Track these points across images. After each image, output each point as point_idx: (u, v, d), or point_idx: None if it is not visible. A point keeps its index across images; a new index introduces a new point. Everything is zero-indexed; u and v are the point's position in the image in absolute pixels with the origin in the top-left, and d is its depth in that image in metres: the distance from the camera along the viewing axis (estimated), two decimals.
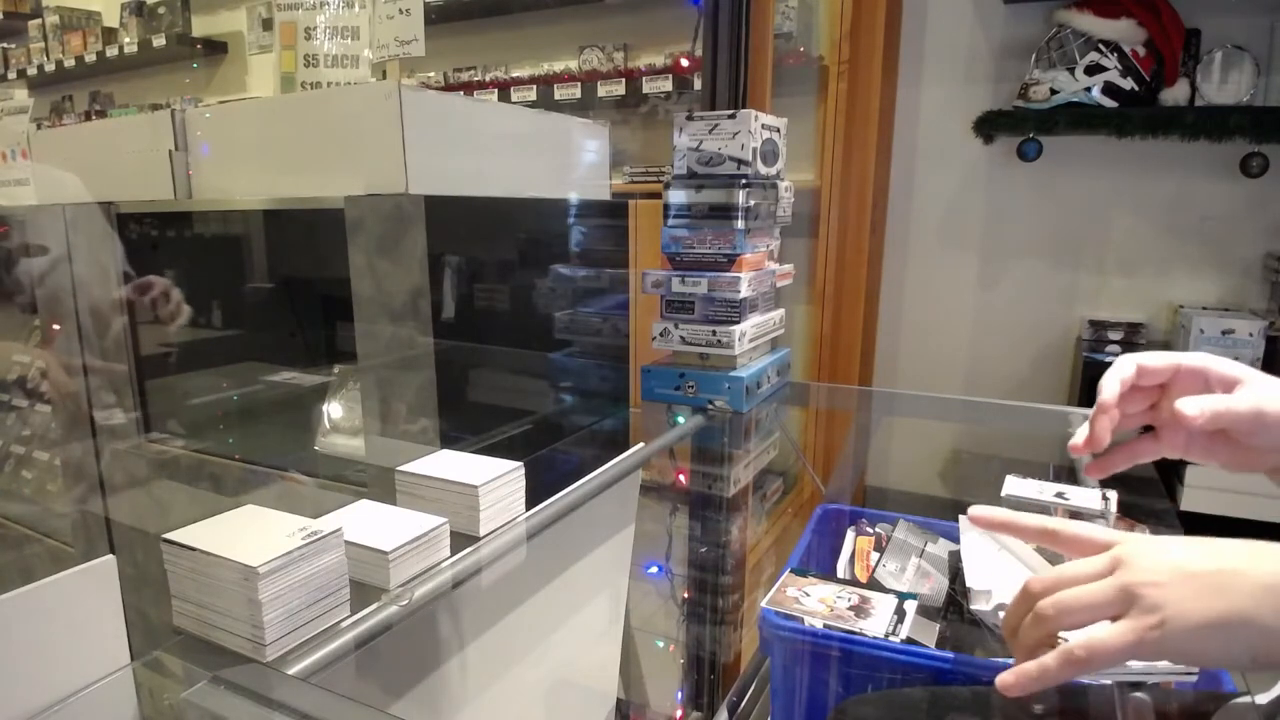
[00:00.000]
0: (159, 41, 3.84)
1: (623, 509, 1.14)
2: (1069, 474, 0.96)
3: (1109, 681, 0.65)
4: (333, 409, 1.19)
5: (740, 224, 1.13)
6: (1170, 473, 2.08)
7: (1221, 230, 2.25)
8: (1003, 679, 0.52)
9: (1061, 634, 0.51)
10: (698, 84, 2.40)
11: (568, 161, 1.34)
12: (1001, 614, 0.91)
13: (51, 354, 1.28)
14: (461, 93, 3.04)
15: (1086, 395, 2.18)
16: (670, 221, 1.19)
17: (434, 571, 0.68)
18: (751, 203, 1.15)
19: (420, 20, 1.05)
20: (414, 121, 0.97)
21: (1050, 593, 0.52)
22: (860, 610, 0.90)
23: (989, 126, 2.33)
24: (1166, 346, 2.28)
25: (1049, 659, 0.50)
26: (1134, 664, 0.57)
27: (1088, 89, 2.18)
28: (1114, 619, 0.49)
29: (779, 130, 1.24)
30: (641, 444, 1.05)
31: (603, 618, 1.16)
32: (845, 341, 2.45)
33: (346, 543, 0.62)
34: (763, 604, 0.92)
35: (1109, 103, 2.16)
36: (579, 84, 2.82)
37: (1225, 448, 0.62)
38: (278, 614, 0.56)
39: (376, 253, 0.99)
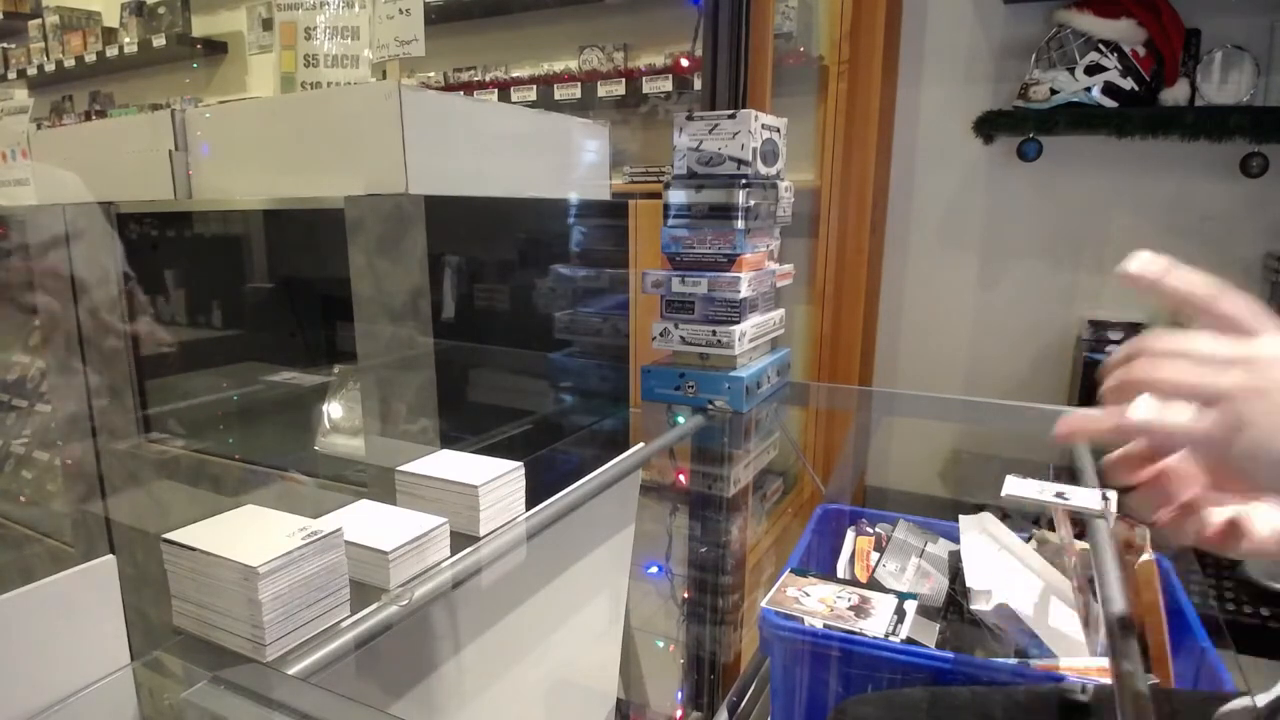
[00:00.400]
0: (159, 41, 3.84)
1: (623, 509, 1.14)
2: (1069, 474, 0.95)
3: (1109, 681, 0.66)
4: (333, 409, 1.19)
5: (740, 224, 1.13)
6: None
7: (1221, 230, 2.25)
8: (1061, 421, 0.49)
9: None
10: (698, 84, 2.40)
11: (568, 161, 1.34)
12: (1001, 614, 0.91)
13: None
14: (461, 93, 3.04)
15: (1086, 395, 2.18)
16: (670, 221, 1.19)
17: (434, 571, 0.68)
18: (751, 203, 1.15)
19: (420, 20, 1.05)
20: (414, 121, 0.97)
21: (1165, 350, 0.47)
22: (860, 610, 0.90)
23: (989, 126, 2.32)
24: None
25: (1109, 410, 0.47)
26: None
27: (1088, 89, 2.18)
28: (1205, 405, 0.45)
29: (779, 130, 1.24)
30: (641, 444, 1.05)
31: (603, 618, 1.16)
32: (845, 341, 2.45)
33: (346, 543, 0.62)
34: (763, 604, 0.92)
35: (1109, 103, 2.16)
36: (579, 84, 2.82)
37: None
38: (278, 614, 0.56)
39: (376, 253, 0.99)
